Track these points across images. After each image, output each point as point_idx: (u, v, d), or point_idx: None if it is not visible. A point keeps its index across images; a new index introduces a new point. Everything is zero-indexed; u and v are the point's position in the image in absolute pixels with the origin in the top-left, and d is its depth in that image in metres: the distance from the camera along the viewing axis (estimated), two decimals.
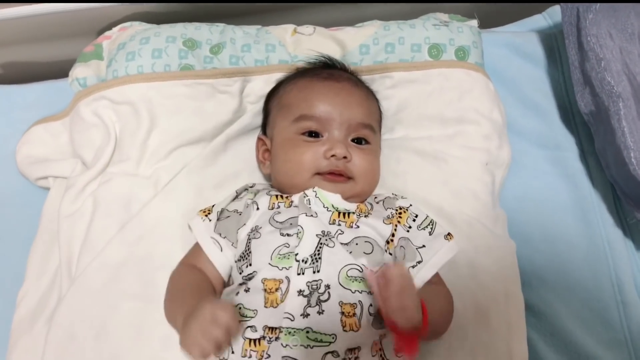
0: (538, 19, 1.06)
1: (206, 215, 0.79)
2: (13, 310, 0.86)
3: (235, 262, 0.75)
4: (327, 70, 0.87)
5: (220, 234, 0.77)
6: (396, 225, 0.76)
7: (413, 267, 0.74)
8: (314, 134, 0.79)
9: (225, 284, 0.78)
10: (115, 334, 0.80)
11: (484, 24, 1.07)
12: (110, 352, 0.78)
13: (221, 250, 0.76)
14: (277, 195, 0.79)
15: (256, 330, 0.67)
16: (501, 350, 0.77)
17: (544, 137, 0.96)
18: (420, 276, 0.74)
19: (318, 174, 0.77)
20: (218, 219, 0.78)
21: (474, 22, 0.98)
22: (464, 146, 0.88)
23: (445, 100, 0.91)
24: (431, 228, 0.78)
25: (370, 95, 0.86)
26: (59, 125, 0.96)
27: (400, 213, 0.78)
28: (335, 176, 0.77)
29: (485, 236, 0.83)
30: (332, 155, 0.76)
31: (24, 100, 1.03)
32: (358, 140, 0.80)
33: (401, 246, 0.75)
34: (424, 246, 0.76)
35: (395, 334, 0.66)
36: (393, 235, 0.75)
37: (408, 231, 0.77)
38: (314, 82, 0.83)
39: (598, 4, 0.83)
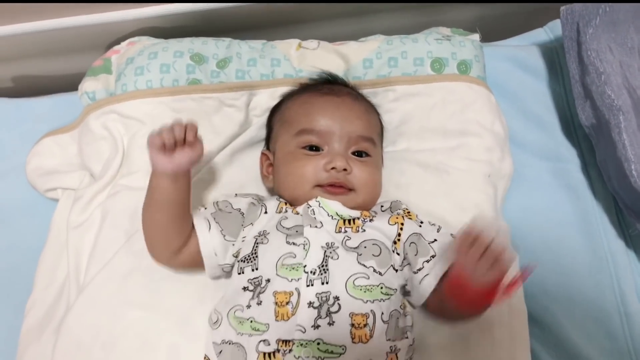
0: (539, 32, 1.08)
1: (205, 208, 0.81)
2: (21, 319, 0.87)
3: (238, 261, 0.76)
4: (327, 85, 0.88)
5: (215, 219, 0.78)
6: (402, 224, 0.77)
7: (427, 261, 0.75)
8: (314, 148, 0.80)
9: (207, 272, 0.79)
10: (122, 343, 0.80)
11: (486, 38, 1.09)
12: None
13: (209, 230, 0.77)
14: (285, 202, 0.80)
15: (269, 344, 0.68)
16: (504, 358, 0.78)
17: (545, 149, 0.97)
18: (436, 270, 0.74)
19: (319, 186, 0.78)
20: (218, 209, 0.79)
21: (476, 36, 1.00)
22: (466, 158, 0.89)
23: (447, 113, 0.92)
24: (438, 227, 0.79)
25: (370, 108, 0.88)
26: (67, 138, 0.98)
27: (409, 212, 0.80)
28: (336, 188, 0.78)
29: None
30: (332, 168, 0.77)
31: (34, 113, 1.05)
32: (359, 154, 0.81)
33: (412, 242, 0.76)
34: (435, 240, 0.76)
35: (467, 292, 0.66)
36: (399, 234, 0.76)
37: (420, 226, 0.78)
38: (315, 97, 0.85)
39: (598, 19, 0.85)
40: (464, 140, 0.90)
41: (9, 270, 0.93)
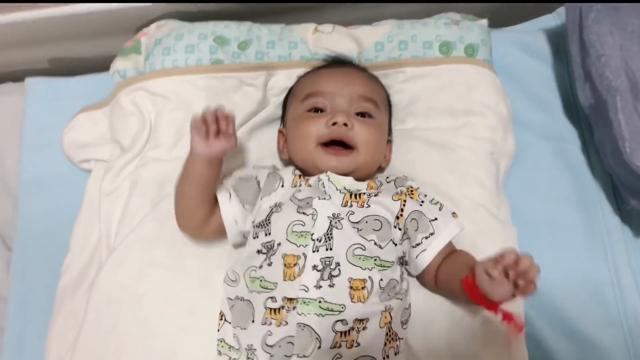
0: (547, 18, 1.11)
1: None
2: (58, 278, 0.96)
3: (254, 226, 0.83)
4: (335, 63, 0.95)
5: (234, 190, 0.86)
6: (405, 201, 0.83)
7: (426, 238, 0.81)
8: (319, 110, 0.86)
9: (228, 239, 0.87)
10: (147, 300, 0.88)
11: (497, 24, 1.13)
12: (143, 316, 0.87)
13: (229, 200, 0.85)
14: (299, 175, 0.86)
15: (276, 301, 0.75)
16: (500, 324, 0.83)
17: (548, 129, 1.01)
18: (434, 246, 0.80)
19: (322, 144, 0.84)
20: (238, 181, 0.87)
21: (484, 22, 1.04)
22: (471, 136, 0.94)
23: (454, 94, 0.97)
24: (440, 205, 0.84)
25: (374, 79, 0.94)
26: (100, 114, 1.06)
27: (412, 190, 0.85)
28: (337, 150, 0.84)
29: (488, 221, 0.89)
30: (334, 124, 0.83)
31: (69, 91, 1.13)
32: (362, 115, 0.87)
33: (413, 219, 0.82)
34: (436, 219, 0.82)
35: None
36: (402, 210, 0.82)
37: (421, 205, 0.83)
38: (321, 70, 0.92)
39: (600, 4, 0.89)
40: (469, 120, 0.95)
41: (46, 234, 1.01)
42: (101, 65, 1.14)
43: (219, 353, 0.81)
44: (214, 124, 0.80)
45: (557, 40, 1.05)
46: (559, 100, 1.03)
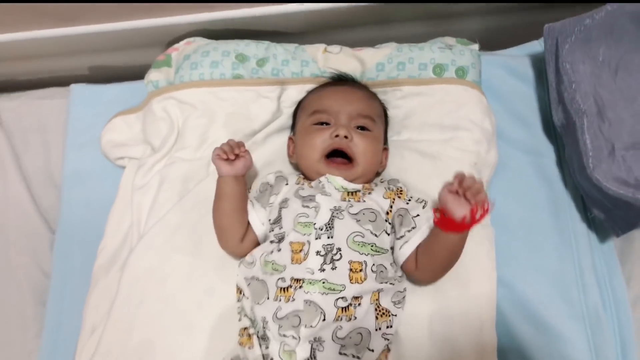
0: (534, 44, 1.23)
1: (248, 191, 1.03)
2: (94, 259, 1.10)
3: (270, 224, 0.96)
4: (339, 81, 1.09)
5: (256, 199, 1.00)
6: (394, 199, 0.95)
7: (408, 231, 0.93)
8: (324, 124, 0.99)
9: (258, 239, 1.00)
10: (170, 280, 1.02)
11: (490, 47, 1.25)
12: (166, 293, 1.01)
13: (253, 207, 0.99)
14: (302, 177, 1.00)
15: (285, 281, 0.88)
16: (474, 311, 0.95)
17: (528, 144, 1.13)
18: (415, 239, 0.92)
19: (326, 157, 0.97)
20: (258, 192, 1.02)
21: (475, 46, 1.17)
22: (458, 148, 1.06)
23: (444, 111, 1.09)
24: (424, 203, 0.97)
25: (372, 95, 1.06)
26: (134, 118, 1.20)
27: (400, 191, 0.98)
28: (338, 164, 0.97)
29: None
30: (336, 136, 0.96)
31: (107, 97, 1.27)
32: (361, 128, 0.99)
33: (399, 215, 0.94)
34: (418, 215, 0.94)
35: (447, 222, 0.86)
36: (391, 207, 0.95)
37: (407, 203, 0.96)
38: (326, 87, 1.06)
39: (574, 36, 1.01)
40: (457, 134, 1.07)
41: (85, 220, 1.15)
42: (136, 74, 1.28)
43: (240, 319, 0.95)
44: (231, 150, 0.95)
45: (540, 65, 1.17)
46: (539, 119, 1.15)
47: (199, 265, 1.03)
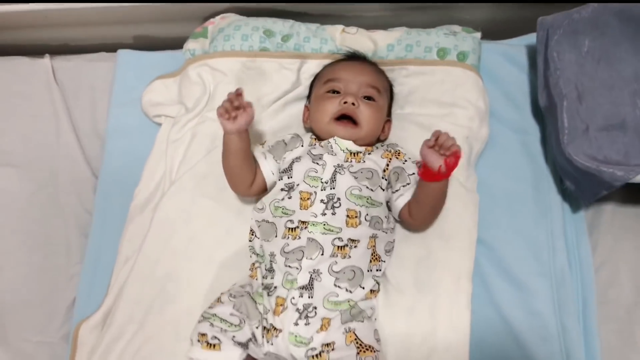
0: (532, 36, 1.33)
1: (262, 145, 1.18)
2: (130, 200, 1.26)
3: (280, 173, 1.12)
4: (352, 57, 1.23)
5: (269, 151, 1.15)
6: (390, 159, 1.10)
7: (403, 186, 1.07)
8: (336, 92, 1.14)
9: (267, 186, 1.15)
10: (195, 220, 1.19)
11: (494, 37, 1.39)
12: (192, 231, 1.18)
13: (265, 159, 1.14)
14: (315, 138, 1.15)
15: (293, 223, 1.03)
16: (454, 261, 1.10)
17: (517, 124, 1.26)
18: (407, 194, 1.06)
19: (335, 119, 1.11)
20: (270, 145, 1.17)
21: (478, 34, 1.30)
22: (452, 123, 1.20)
23: (443, 89, 1.23)
24: (419, 165, 1.11)
25: (380, 71, 1.20)
26: (171, 81, 1.36)
27: (398, 152, 1.12)
28: (346, 123, 1.11)
29: (456, 187, 1.14)
30: (345, 102, 1.10)
31: (149, 62, 1.43)
32: (367, 98, 1.13)
33: (395, 172, 1.09)
34: (413, 173, 1.08)
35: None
36: (387, 165, 1.10)
37: (404, 163, 1.10)
38: (341, 62, 1.20)
39: (562, 29, 1.13)
40: (453, 110, 1.21)
41: (124, 168, 1.31)
42: (175, 44, 1.45)
43: (250, 256, 1.11)
44: (232, 106, 1.04)
45: (534, 54, 1.29)
46: (529, 101, 1.28)
47: (221, 208, 1.19)
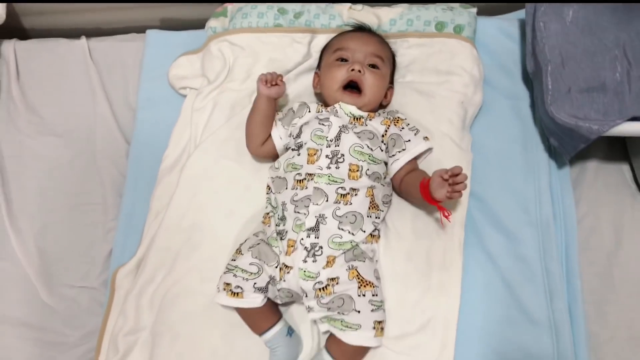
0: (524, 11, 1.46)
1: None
2: (159, 163, 1.40)
3: (291, 137, 1.25)
4: (358, 29, 1.36)
5: (279, 120, 1.29)
6: (388, 126, 1.22)
7: (399, 151, 1.20)
8: (344, 60, 1.26)
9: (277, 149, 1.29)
10: (217, 179, 1.33)
11: (492, 12, 1.50)
12: (214, 188, 1.32)
13: (276, 125, 1.28)
14: (321, 105, 1.28)
15: (301, 175, 1.16)
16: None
17: (509, 90, 1.37)
18: (404, 158, 1.19)
19: (342, 88, 1.23)
20: (282, 114, 1.31)
21: (474, 10, 1.42)
22: (449, 89, 1.32)
23: (441, 59, 1.35)
24: (416, 131, 1.23)
25: (383, 42, 1.32)
26: (195, 57, 1.50)
27: (397, 119, 1.25)
28: (352, 93, 1.23)
29: (451, 147, 1.26)
30: (352, 70, 1.22)
31: (175, 41, 1.57)
32: (372, 66, 1.25)
33: (392, 138, 1.21)
34: (409, 140, 1.21)
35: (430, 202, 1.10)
36: (386, 131, 1.22)
37: (401, 130, 1.23)
38: (349, 33, 1.33)
39: (548, 1, 1.24)
40: (450, 78, 1.33)
41: (154, 134, 1.45)
42: (197, 24, 1.59)
43: (266, 207, 1.25)
44: (272, 78, 1.24)
45: (525, 27, 1.40)
46: (519, 70, 1.39)
47: (240, 168, 1.33)
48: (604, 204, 1.29)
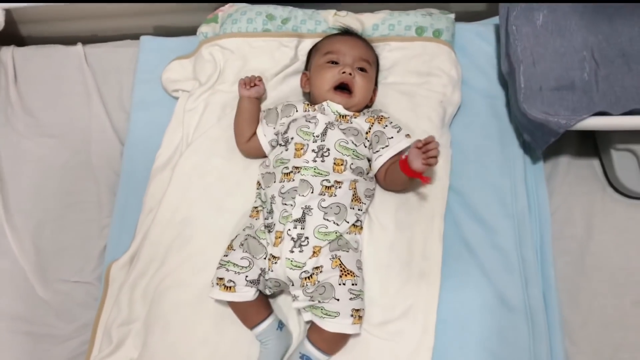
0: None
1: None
2: (152, 162, 1.45)
3: (278, 134, 1.31)
4: (345, 32, 1.43)
5: (264, 117, 1.36)
6: (372, 123, 1.29)
7: (382, 148, 1.25)
8: (335, 62, 1.32)
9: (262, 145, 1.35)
10: (209, 175, 1.38)
11: (470, 19, 1.58)
12: (205, 184, 1.37)
13: (260, 123, 1.35)
14: (308, 104, 1.35)
15: (288, 169, 1.22)
16: (430, 204, 1.28)
17: (486, 91, 1.44)
18: (387, 154, 1.25)
19: (333, 88, 1.30)
20: (266, 112, 1.37)
21: (452, 15, 1.50)
22: (428, 90, 1.39)
23: (421, 61, 1.42)
24: (399, 129, 1.29)
25: (369, 46, 1.39)
26: (187, 62, 1.57)
27: (381, 118, 1.31)
28: (342, 92, 1.30)
29: None
30: (343, 72, 1.29)
31: (167, 46, 1.63)
32: (361, 69, 1.32)
33: (376, 135, 1.27)
34: (392, 137, 1.27)
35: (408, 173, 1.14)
36: (370, 129, 1.28)
37: (385, 128, 1.29)
38: (337, 36, 1.40)
39: (519, 6, 1.32)
40: (429, 79, 1.40)
41: (147, 135, 1.51)
42: (189, 31, 1.65)
43: (255, 201, 1.31)
44: (250, 81, 1.34)
45: (500, 30, 1.48)
46: (496, 71, 1.46)
47: (230, 165, 1.39)
48: (576, 196, 1.36)
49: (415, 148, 1.13)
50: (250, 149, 1.37)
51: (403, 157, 1.17)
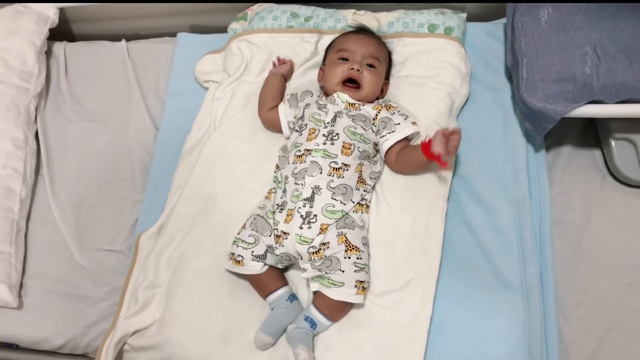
0: None
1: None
2: (183, 144, 1.59)
3: (296, 118, 1.44)
4: (359, 30, 1.54)
5: (287, 100, 1.48)
6: (379, 110, 1.39)
7: (389, 133, 1.35)
8: (345, 59, 1.44)
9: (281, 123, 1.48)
10: (232, 156, 1.50)
11: (484, 19, 1.67)
12: (229, 164, 1.49)
13: (283, 103, 1.47)
14: (322, 93, 1.46)
15: (300, 151, 1.34)
16: (433, 187, 1.36)
17: (493, 84, 1.52)
18: (393, 138, 1.34)
19: (342, 82, 1.41)
20: (290, 95, 1.49)
21: (463, 15, 1.59)
22: (438, 82, 1.48)
23: (432, 56, 1.52)
24: (406, 117, 1.39)
25: (381, 43, 1.49)
26: (218, 56, 1.71)
27: (389, 106, 1.41)
28: (350, 88, 1.40)
29: None
30: (352, 69, 1.40)
31: (201, 43, 1.78)
32: (370, 65, 1.43)
33: (383, 121, 1.37)
34: (399, 123, 1.36)
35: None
36: (377, 115, 1.38)
37: (392, 114, 1.39)
38: (350, 34, 1.51)
39: (525, 4, 1.41)
40: (439, 72, 1.50)
41: (179, 121, 1.65)
42: (221, 29, 1.80)
43: (273, 182, 1.43)
44: (280, 62, 1.50)
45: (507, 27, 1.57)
46: (503, 67, 1.54)
47: (253, 148, 1.51)
48: (576, 184, 1.41)
49: (441, 134, 1.22)
50: (269, 119, 1.50)
51: (426, 140, 1.26)
